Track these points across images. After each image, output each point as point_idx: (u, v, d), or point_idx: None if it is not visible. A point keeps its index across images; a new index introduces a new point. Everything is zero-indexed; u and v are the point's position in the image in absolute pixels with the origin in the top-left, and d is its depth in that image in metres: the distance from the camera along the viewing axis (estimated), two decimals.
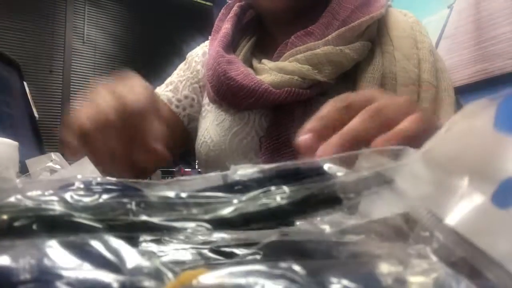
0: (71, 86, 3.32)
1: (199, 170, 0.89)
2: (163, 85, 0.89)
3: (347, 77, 0.69)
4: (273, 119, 0.68)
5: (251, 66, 0.74)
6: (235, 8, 0.83)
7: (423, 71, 0.68)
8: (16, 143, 0.54)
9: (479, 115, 0.22)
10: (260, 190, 0.24)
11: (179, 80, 0.87)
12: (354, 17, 0.69)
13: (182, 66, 0.91)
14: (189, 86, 0.86)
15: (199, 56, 0.88)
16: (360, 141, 0.35)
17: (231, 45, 0.77)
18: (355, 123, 0.37)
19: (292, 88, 0.65)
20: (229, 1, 0.86)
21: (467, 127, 0.22)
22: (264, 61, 0.72)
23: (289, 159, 0.67)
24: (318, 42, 0.68)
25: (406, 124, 0.36)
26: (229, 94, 0.69)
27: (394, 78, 0.67)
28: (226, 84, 0.69)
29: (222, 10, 0.85)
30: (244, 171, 0.28)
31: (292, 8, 0.73)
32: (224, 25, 0.80)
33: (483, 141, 0.22)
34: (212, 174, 0.28)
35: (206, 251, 0.26)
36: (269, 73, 0.68)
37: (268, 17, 0.80)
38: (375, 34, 0.72)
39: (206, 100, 0.81)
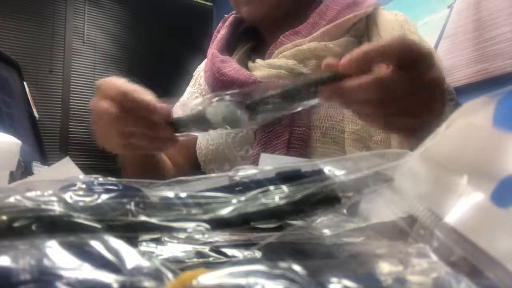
0: (71, 86, 3.31)
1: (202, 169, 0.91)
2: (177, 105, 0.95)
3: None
4: None
5: (246, 67, 0.78)
6: (230, 18, 0.88)
7: None
8: (19, 142, 0.53)
9: (478, 112, 0.22)
10: (259, 190, 0.24)
11: (187, 98, 0.93)
12: (340, 17, 0.73)
13: (190, 83, 0.96)
14: (194, 100, 0.91)
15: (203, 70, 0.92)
16: None
17: (227, 49, 0.82)
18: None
19: (279, 81, 0.68)
20: (226, 16, 0.91)
21: (466, 124, 0.22)
22: (257, 60, 0.77)
23: (280, 149, 0.70)
24: (304, 39, 0.72)
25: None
26: (223, 88, 0.72)
27: None
28: (220, 80, 0.73)
29: (220, 23, 0.90)
30: (245, 172, 0.28)
31: (268, 15, 0.78)
32: (220, 33, 0.85)
33: (482, 138, 0.22)
34: (221, 174, 0.28)
35: (205, 251, 0.26)
36: (259, 69, 0.73)
37: (257, 24, 0.85)
38: (363, 32, 0.75)
39: None
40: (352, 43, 0.72)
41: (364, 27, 0.75)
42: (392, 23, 0.75)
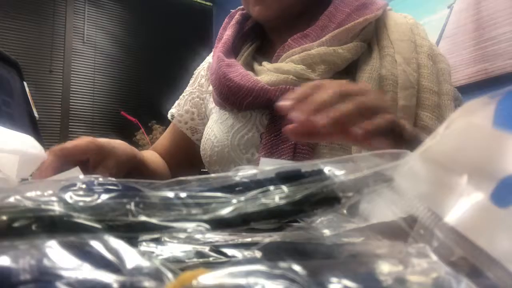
0: (71, 86, 3.31)
1: (202, 170, 0.91)
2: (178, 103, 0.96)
3: (346, 78, 0.70)
4: (272, 116, 0.71)
5: (252, 69, 0.77)
6: (236, 16, 0.86)
7: (422, 76, 0.70)
8: (44, 155, 0.52)
9: (478, 112, 0.22)
10: (259, 190, 0.24)
11: (183, 96, 0.93)
12: (349, 20, 0.71)
13: (190, 81, 0.96)
14: (190, 100, 0.91)
15: (204, 69, 0.92)
16: (339, 122, 0.44)
17: (232, 51, 0.81)
18: (343, 107, 0.46)
19: (287, 86, 0.68)
20: (232, 11, 0.89)
21: (466, 124, 0.22)
22: (264, 63, 0.75)
23: (287, 153, 0.69)
24: (313, 43, 0.71)
25: (380, 120, 0.47)
26: (230, 94, 0.73)
27: (395, 81, 0.69)
28: (227, 86, 0.72)
29: (225, 19, 0.88)
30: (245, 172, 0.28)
31: (280, 16, 0.76)
32: (225, 33, 0.84)
33: (482, 139, 0.22)
34: (221, 174, 0.28)
35: (205, 251, 0.26)
36: (267, 73, 0.72)
37: (265, 24, 0.84)
38: (372, 36, 0.74)
39: (212, 105, 0.85)
40: (361, 48, 0.71)
41: (373, 29, 0.74)
42: (402, 26, 0.74)
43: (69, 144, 0.62)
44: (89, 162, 0.62)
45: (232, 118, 0.76)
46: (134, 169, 0.72)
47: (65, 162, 0.58)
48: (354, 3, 0.74)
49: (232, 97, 0.72)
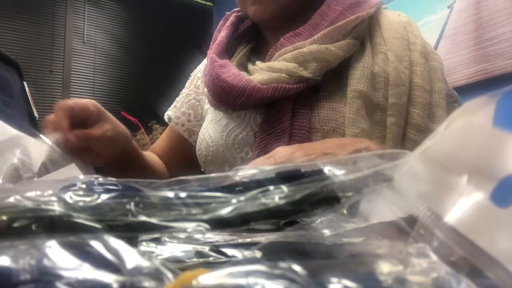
0: (71, 86, 3.31)
1: (203, 170, 0.92)
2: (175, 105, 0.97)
3: (339, 75, 0.71)
4: (266, 115, 0.71)
5: (246, 69, 0.78)
6: (231, 18, 0.87)
7: (414, 74, 0.70)
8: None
9: (478, 112, 0.22)
10: (258, 190, 0.24)
11: (180, 98, 0.94)
12: (342, 18, 0.72)
13: (186, 83, 0.97)
14: (186, 102, 0.92)
15: (201, 71, 0.93)
16: None
17: (226, 52, 0.81)
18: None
19: (279, 84, 0.68)
20: (227, 13, 0.90)
21: (466, 124, 0.22)
22: (257, 62, 0.76)
23: None
24: (305, 41, 0.71)
25: None
26: (223, 95, 0.73)
27: (387, 78, 0.69)
28: (220, 86, 0.73)
29: (220, 22, 0.89)
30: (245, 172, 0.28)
31: (277, 16, 0.77)
32: (220, 34, 0.84)
33: (482, 138, 0.22)
34: (221, 174, 0.28)
35: (205, 251, 0.26)
36: (259, 72, 0.72)
37: (260, 24, 0.84)
38: (365, 33, 0.74)
39: (208, 106, 0.85)
40: (353, 45, 0.71)
41: (367, 27, 0.74)
42: (395, 24, 0.74)
43: (70, 100, 0.65)
44: (88, 120, 0.65)
45: (227, 118, 0.76)
46: (128, 152, 0.74)
47: (67, 116, 0.62)
48: (347, 1, 0.74)
49: (226, 97, 0.72)
